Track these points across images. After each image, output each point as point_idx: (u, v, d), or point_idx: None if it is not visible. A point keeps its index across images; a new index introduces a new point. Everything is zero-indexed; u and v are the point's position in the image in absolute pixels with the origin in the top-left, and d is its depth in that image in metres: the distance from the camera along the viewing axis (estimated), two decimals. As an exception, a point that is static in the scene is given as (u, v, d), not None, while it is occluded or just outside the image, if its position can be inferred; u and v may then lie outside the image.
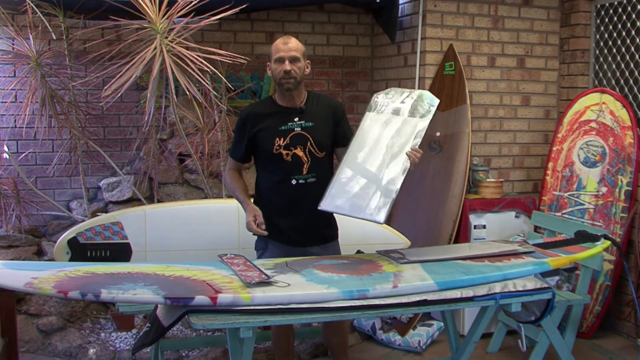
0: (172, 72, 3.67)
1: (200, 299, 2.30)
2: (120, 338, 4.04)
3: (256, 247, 3.23)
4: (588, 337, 4.29)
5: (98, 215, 4.19)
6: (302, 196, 3.07)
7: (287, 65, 3.01)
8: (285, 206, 3.10)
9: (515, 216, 4.39)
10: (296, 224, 3.10)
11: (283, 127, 3.07)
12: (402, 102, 3.05)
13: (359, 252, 3.30)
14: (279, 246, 3.13)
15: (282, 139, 3.06)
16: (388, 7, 4.80)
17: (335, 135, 3.18)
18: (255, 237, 3.20)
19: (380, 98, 3.12)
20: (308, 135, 3.09)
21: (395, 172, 2.83)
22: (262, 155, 3.12)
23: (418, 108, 2.99)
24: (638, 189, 4.23)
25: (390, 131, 2.98)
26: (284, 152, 3.05)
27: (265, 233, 3.00)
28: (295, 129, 3.08)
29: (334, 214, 3.14)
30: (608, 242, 3.10)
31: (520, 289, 2.67)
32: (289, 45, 3.03)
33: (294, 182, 3.07)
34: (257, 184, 3.23)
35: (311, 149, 3.09)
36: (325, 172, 3.12)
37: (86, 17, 4.31)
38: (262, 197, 3.17)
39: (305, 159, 3.08)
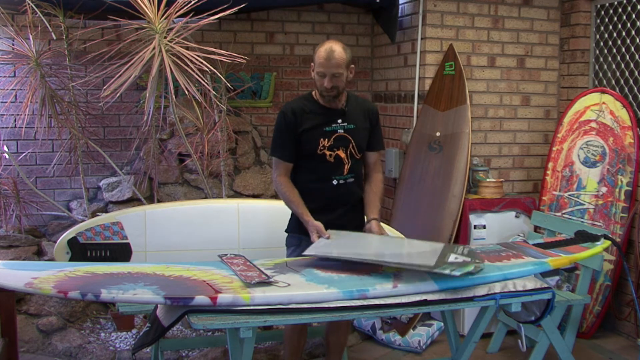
0: (171, 72, 3.67)
1: (200, 299, 2.30)
2: (120, 338, 4.03)
3: (288, 244, 3.24)
4: (588, 337, 4.28)
5: (98, 215, 4.19)
6: (342, 194, 3.15)
7: (328, 83, 3.00)
8: (324, 204, 3.14)
9: (515, 216, 4.39)
10: (333, 219, 3.14)
11: (327, 129, 3.09)
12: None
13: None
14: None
15: (326, 139, 3.08)
16: (388, 7, 4.81)
17: (369, 139, 3.23)
18: (286, 233, 3.23)
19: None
20: (350, 138, 3.13)
21: None
22: (304, 155, 3.10)
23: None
24: (638, 189, 4.23)
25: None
26: (328, 152, 3.08)
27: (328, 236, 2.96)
28: (339, 130, 3.11)
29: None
30: (608, 242, 3.09)
31: (520, 289, 2.67)
32: (332, 62, 2.97)
33: (335, 182, 3.12)
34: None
35: (352, 151, 3.14)
36: (361, 170, 3.24)
37: (86, 17, 4.31)
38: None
39: (347, 160, 3.13)
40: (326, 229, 3.09)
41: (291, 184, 3.12)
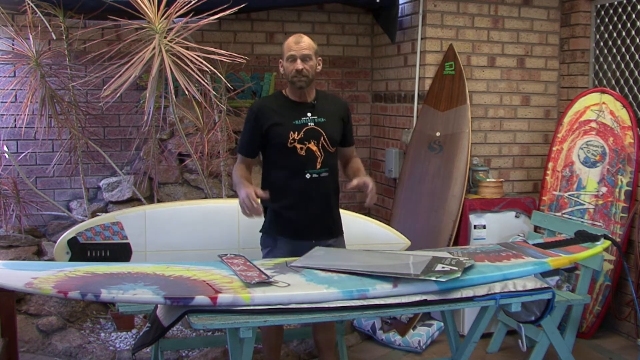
0: (171, 72, 3.67)
1: (200, 299, 2.30)
2: (120, 338, 4.04)
3: (263, 244, 3.24)
4: (588, 337, 4.28)
5: (98, 215, 4.19)
6: (315, 189, 3.15)
7: (299, 65, 3.06)
8: (298, 200, 3.14)
9: (515, 216, 4.39)
10: (307, 217, 3.16)
11: (297, 122, 3.13)
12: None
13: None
14: (288, 242, 3.15)
15: (296, 132, 3.11)
16: (388, 7, 4.81)
17: (344, 134, 3.27)
18: (260, 234, 3.23)
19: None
20: (321, 131, 3.16)
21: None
22: (276, 149, 3.14)
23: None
24: (638, 189, 4.22)
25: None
26: (298, 145, 3.10)
27: (266, 196, 3.01)
28: (309, 123, 3.14)
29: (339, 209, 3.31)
30: (608, 242, 3.09)
31: (520, 289, 2.67)
32: (301, 44, 3.08)
33: (308, 176, 3.13)
34: (265, 180, 3.23)
35: (324, 143, 3.16)
36: (335, 166, 3.26)
37: (86, 17, 4.31)
38: (273, 192, 3.14)
39: (319, 153, 3.15)
40: (299, 228, 3.14)
41: (245, 168, 3.20)
